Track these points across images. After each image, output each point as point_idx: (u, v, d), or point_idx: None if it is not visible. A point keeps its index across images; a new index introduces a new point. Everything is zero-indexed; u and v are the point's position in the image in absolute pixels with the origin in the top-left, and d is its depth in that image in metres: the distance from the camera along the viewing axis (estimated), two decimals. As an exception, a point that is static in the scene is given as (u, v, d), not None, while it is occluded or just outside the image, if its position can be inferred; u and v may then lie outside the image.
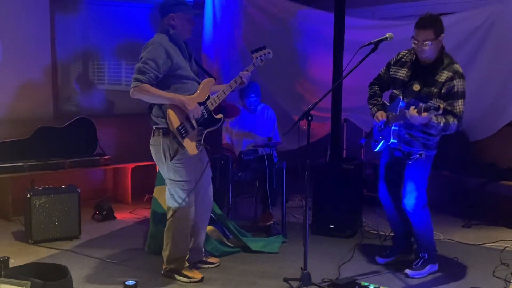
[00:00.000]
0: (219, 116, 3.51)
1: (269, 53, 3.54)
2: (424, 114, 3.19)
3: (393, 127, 3.50)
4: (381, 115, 3.58)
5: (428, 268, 3.66)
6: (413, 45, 3.47)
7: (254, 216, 4.94)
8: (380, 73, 3.80)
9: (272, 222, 4.62)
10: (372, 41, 3.38)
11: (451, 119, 3.34)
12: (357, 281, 3.40)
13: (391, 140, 3.51)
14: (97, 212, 4.98)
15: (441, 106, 3.17)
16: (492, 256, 4.00)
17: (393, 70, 3.66)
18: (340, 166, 4.55)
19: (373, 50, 3.36)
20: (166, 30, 3.39)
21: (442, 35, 3.40)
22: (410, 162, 3.54)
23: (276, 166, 4.51)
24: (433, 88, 3.41)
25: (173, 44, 3.36)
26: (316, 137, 5.80)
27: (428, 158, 3.56)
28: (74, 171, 5.24)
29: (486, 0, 4.86)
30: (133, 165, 5.47)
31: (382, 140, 3.61)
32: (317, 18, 5.44)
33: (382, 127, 3.58)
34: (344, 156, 5.38)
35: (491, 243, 4.32)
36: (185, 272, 3.50)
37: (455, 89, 3.36)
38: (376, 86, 3.79)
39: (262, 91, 5.04)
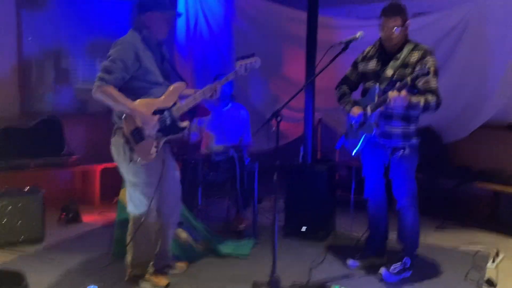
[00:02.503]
0: (184, 124, 3.26)
1: (256, 61, 3.27)
2: (403, 93, 3.20)
3: (373, 117, 3.43)
4: (357, 109, 3.54)
5: (402, 275, 3.59)
6: (381, 33, 3.47)
7: (226, 218, 4.83)
8: (346, 74, 3.79)
9: (244, 225, 4.52)
10: (342, 40, 3.33)
11: (429, 97, 3.34)
12: (327, 284, 3.33)
13: (373, 130, 3.42)
14: (63, 214, 4.82)
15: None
16: (465, 259, 3.97)
17: (362, 65, 3.66)
18: (313, 167, 4.48)
19: (344, 49, 3.35)
20: (139, 28, 3.22)
21: (407, 21, 3.45)
22: (395, 160, 3.50)
23: (247, 167, 4.41)
24: (406, 70, 3.42)
25: (145, 45, 3.19)
26: (292, 137, 5.72)
27: (412, 150, 3.51)
28: (40, 172, 5.07)
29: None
30: (102, 166, 5.32)
31: (362, 136, 3.51)
32: (291, 17, 5.36)
33: (362, 120, 3.51)
34: (318, 157, 5.30)
35: (464, 245, 4.30)
36: (150, 278, 3.38)
37: (428, 67, 3.36)
38: (345, 85, 3.77)
39: (237, 91, 4.92)
